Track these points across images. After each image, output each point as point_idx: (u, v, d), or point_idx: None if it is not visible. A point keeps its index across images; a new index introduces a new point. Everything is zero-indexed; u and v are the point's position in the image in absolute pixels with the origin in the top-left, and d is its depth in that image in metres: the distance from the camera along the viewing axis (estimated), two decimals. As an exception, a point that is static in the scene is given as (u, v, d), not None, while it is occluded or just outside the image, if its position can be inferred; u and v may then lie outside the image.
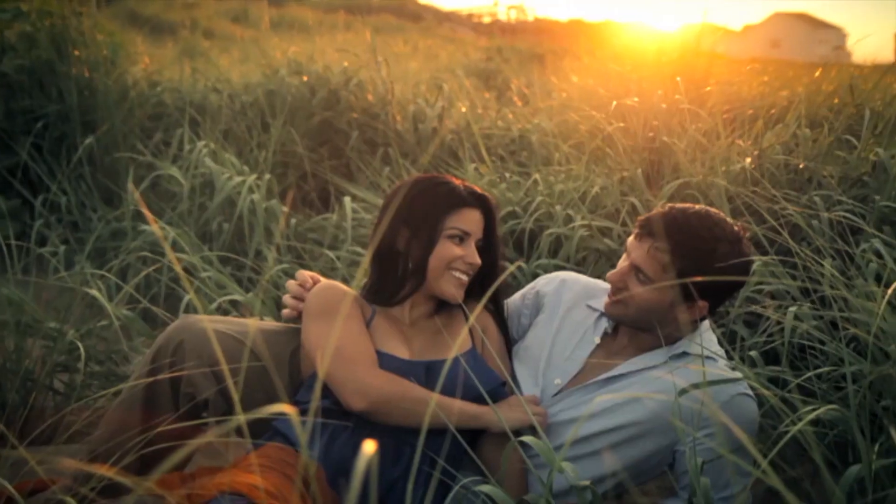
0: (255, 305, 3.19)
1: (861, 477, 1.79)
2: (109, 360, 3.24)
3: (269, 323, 2.49)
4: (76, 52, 5.63)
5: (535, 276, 3.40)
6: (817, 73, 5.86)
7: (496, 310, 2.42)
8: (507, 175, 4.46)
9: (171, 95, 6.32)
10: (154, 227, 3.81)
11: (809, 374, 2.31)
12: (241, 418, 1.27)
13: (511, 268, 2.31)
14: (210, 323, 2.30)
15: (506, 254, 3.65)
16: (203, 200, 4.64)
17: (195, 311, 3.19)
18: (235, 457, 2.39)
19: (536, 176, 4.21)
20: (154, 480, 1.85)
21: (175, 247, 3.82)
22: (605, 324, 2.36)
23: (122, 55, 6.22)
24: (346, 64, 6.30)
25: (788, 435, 1.76)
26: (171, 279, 3.78)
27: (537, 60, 12.86)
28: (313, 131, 5.86)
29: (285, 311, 2.39)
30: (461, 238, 2.24)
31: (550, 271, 3.20)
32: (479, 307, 1.78)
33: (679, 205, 2.24)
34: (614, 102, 4.47)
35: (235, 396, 1.40)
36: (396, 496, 2.09)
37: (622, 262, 2.26)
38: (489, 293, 1.73)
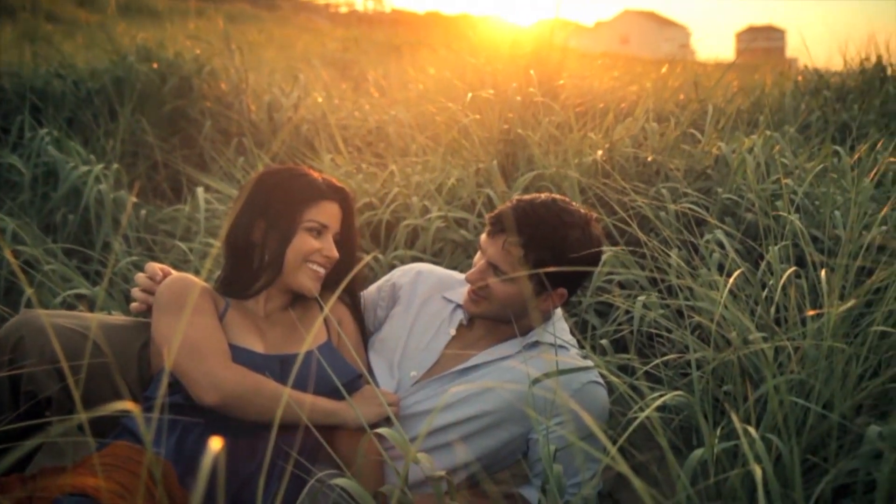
0: (100, 298, 3.07)
1: (704, 460, 1.85)
2: (-57, 359, 3.06)
3: (118, 317, 2.40)
4: None
5: (391, 267, 3.40)
6: (664, 70, 6.08)
7: (352, 302, 2.40)
8: (364, 166, 4.45)
9: (10, 80, 6.01)
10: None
11: (657, 361, 2.38)
12: (82, 416, 1.21)
13: (367, 258, 2.30)
14: (52, 318, 2.20)
15: (362, 245, 3.63)
16: (46, 190, 4.45)
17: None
18: (81, 456, 2.30)
19: (393, 167, 4.21)
20: (-10, 483, 1.76)
21: (16, 239, 3.65)
22: (460, 315, 2.38)
23: (-46, 37, 5.90)
24: (198, 51, 6.15)
25: (637, 421, 1.80)
26: (10, 273, 3.60)
27: (394, 52, 12.85)
28: (164, 120, 5.71)
29: (134, 305, 2.31)
30: (319, 231, 2.21)
31: (407, 262, 3.21)
32: (334, 299, 1.76)
33: (526, 196, 2.27)
34: (470, 94, 4.51)
35: (76, 394, 1.33)
36: (251, 492, 2.05)
37: (478, 260, 2.27)
38: (343, 285, 1.71)
